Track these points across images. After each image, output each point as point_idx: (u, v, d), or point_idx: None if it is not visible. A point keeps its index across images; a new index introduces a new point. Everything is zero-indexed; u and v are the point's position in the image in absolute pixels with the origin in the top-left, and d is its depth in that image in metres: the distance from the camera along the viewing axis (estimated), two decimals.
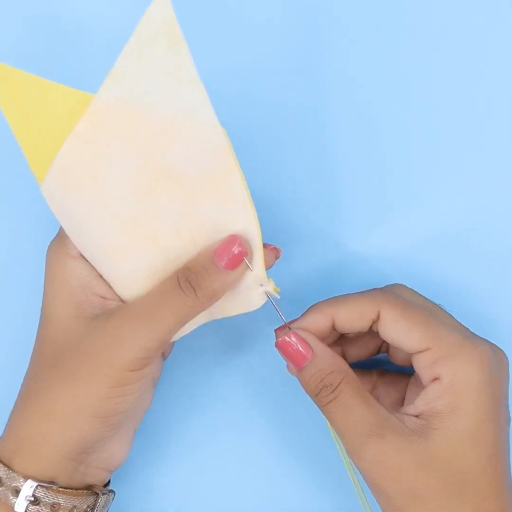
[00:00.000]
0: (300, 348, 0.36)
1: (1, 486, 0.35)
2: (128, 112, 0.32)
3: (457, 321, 0.37)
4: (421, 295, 0.38)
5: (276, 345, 0.36)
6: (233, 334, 0.43)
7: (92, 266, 0.36)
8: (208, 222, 0.35)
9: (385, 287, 0.38)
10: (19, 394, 0.37)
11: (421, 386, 0.36)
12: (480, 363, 0.34)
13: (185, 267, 0.35)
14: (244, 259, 0.35)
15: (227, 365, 0.43)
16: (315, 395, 0.36)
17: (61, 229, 0.37)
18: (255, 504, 0.42)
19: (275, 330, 0.38)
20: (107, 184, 0.34)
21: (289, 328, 0.37)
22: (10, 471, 0.35)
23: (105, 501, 0.37)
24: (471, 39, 0.43)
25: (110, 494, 0.38)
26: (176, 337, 0.36)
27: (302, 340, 0.36)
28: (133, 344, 0.34)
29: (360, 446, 0.34)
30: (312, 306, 0.37)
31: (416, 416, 0.35)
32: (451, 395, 0.34)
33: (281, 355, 0.37)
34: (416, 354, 0.35)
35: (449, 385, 0.34)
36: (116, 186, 0.34)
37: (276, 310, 0.37)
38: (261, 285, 0.36)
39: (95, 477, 0.37)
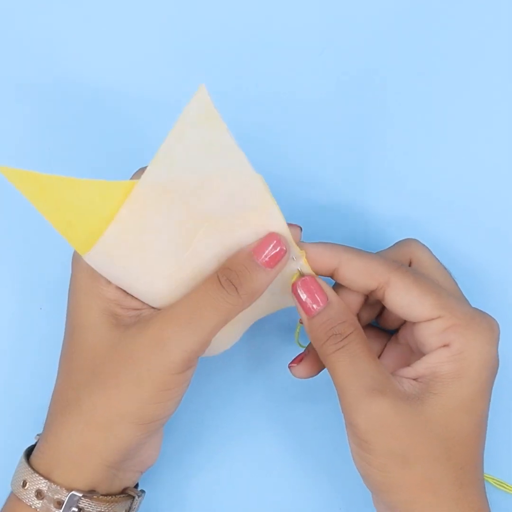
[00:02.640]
0: (316, 295, 0.35)
1: (42, 498, 0.34)
2: (168, 184, 0.33)
3: (461, 292, 0.37)
4: (433, 255, 0.38)
5: (293, 288, 0.36)
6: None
7: None
8: (245, 242, 0.35)
9: (399, 243, 0.39)
10: (55, 403, 0.36)
11: (406, 354, 0.37)
12: (490, 335, 0.35)
13: (225, 267, 0.35)
14: (283, 256, 0.35)
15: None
16: (322, 344, 0.35)
17: None
18: (259, 503, 0.43)
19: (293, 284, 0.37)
20: (151, 253, 0.34)
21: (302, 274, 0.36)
22: (51, 484, 0.34)
23: (138, 503, 0.38)
24: None
25: (142, 495, 0.38)
26: (219, 348, 0.38)
27: (319, 286, 0.36)
28: (177, 346, 0.33)
29: (359, 398, 0.34)
30: (327, 242, 0.37)
31: (414, 379, 0.35)
32: (458, 362, 0.34)
33: (295, 301, 0.36)
34: (424, 322, 0.35)
35: (457, 352, 0.34)
36: (160, 251, 0.34)
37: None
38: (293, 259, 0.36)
39: (130, 480, 0.37)
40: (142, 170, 0.34)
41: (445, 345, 0.35)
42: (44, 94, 0.45)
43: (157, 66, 0.45)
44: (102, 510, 0.35)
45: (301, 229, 0.37)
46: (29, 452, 0.37)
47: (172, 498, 0.42)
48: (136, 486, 0.39)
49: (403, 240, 0.39)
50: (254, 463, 0.43)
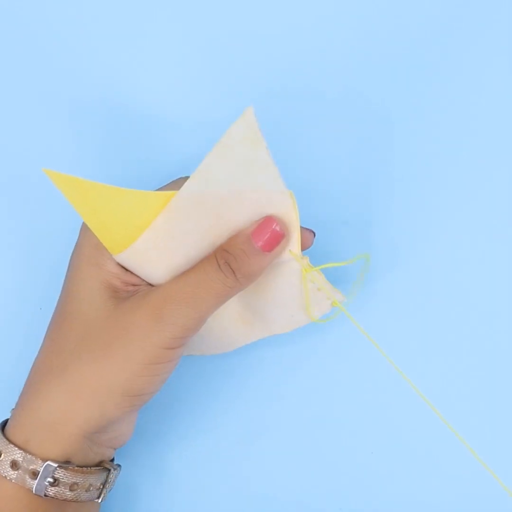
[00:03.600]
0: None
1: (18, 469, 0.34)
2: (203, 196, 0.34)
3: None
4: None
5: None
6: None
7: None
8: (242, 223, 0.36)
9: None
10: (36, 371, 0.36)
11: None
12: None
13: (222, 250, 0.35)
14: (281, 240, 0.35)
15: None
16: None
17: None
18: (253, 502, 0.43)
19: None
20: (178, 258, 0.35)
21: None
22: (27, 454, 0.34)
23: (115, 476, 0.38)
24: None
25: (118, 469, 0.38)
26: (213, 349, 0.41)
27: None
28: (175, 322, 0.34)
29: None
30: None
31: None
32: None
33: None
34: None
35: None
36: (186, 254, 0.35)
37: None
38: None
39: (104, 455, 0.37)
40: (183, 179, 0.35)
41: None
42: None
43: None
44: (77, 481, 0.35)
45: (314, 234, 0.38)
46: (4, 424, 0.37)
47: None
48: (112, 461, 0.39)
49: None
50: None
